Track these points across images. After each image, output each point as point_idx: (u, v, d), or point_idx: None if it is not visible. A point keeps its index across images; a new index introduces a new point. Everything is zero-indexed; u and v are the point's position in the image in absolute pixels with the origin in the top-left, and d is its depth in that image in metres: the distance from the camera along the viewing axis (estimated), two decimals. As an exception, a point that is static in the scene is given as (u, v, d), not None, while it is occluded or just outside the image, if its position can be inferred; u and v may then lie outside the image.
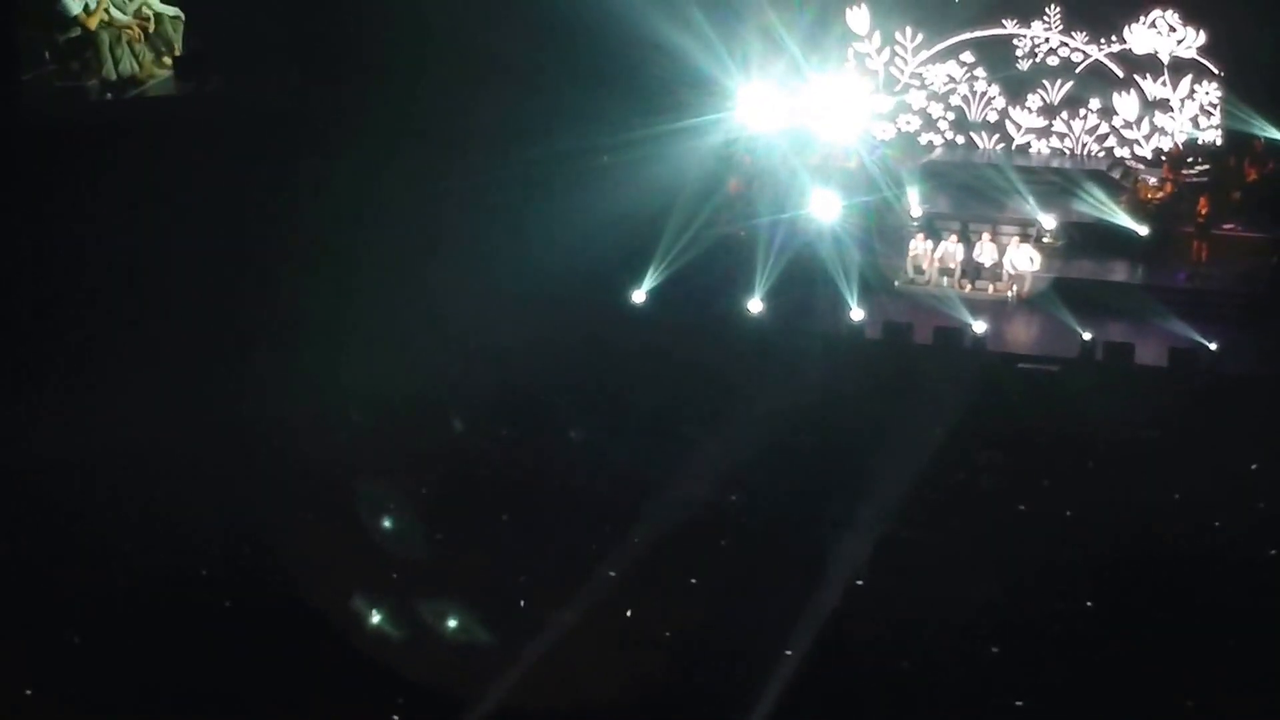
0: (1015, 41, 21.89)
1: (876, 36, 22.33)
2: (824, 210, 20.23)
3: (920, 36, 22.19)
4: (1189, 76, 20.97)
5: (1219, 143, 20.85)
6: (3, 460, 14.85)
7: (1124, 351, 17.76)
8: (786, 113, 21.67)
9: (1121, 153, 21.51)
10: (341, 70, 19.61)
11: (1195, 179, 20.43)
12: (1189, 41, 20.83)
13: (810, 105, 21.82)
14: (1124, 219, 19.99)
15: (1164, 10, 20.91)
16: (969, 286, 19.91)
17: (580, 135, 19.55)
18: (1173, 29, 20.91)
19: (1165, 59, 21.01)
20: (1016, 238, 20.10)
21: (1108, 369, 17.61)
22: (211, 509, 14.16)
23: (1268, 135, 20.20)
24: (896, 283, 20.11)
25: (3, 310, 17.62)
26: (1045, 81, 21.82)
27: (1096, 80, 21.49)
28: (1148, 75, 21.16)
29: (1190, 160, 20.73)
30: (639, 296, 19.43)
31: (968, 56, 22.18)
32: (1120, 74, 21.28)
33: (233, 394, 16.23)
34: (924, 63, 22.34)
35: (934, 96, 22.39)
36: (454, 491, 14.92)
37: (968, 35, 22.03)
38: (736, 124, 21.40)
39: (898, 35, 22.24)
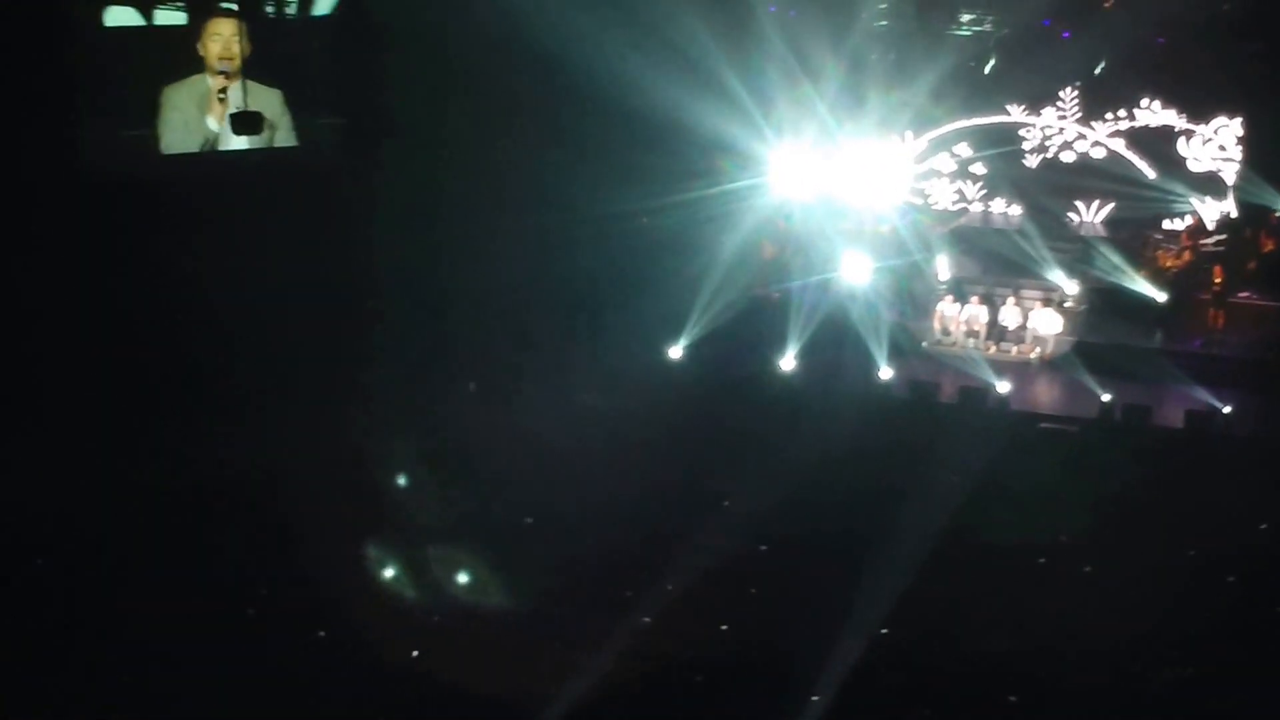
0: (1024, 134, 21.59)
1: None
2: (855, 273, 20.78)
3: (925, 144, 22.08)
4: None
5: (1235, 215, 21.25)
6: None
7: (1142, 413, 18.14)
8: (821, 179, 22.17)
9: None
10: (389, 130, 19.92)
11: (1212, 249, 20.92)
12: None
13: (844, 172, 22.27)
14: (1143, 286, 20.42)
15: (1230, 118, 20.87)
16: (993, 348, 20.37)
17: (622, 199, 20.01)
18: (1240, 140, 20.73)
19: (1230, 179, 20.89)
20: (1040, 302, 20.58)
21: (1126, 429, 17.97)
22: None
23: (1281, 208, 20.76)
24: (924, 344, 20.60)
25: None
26: (1079, 203, 21.80)
27: (1139, 201, 21.30)
28: (1207, 198, 21.11)
29: (1208, 231, 21.20)
30: (676, 353, 20.01)
31: (978, 168, 21.63)
32: (1177, 197, 20.99)
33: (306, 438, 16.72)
34: (925, 176, 22.04)
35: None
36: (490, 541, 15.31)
37: (969, 121, 21.63)
38: (773, 190, 21.91)
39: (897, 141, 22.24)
